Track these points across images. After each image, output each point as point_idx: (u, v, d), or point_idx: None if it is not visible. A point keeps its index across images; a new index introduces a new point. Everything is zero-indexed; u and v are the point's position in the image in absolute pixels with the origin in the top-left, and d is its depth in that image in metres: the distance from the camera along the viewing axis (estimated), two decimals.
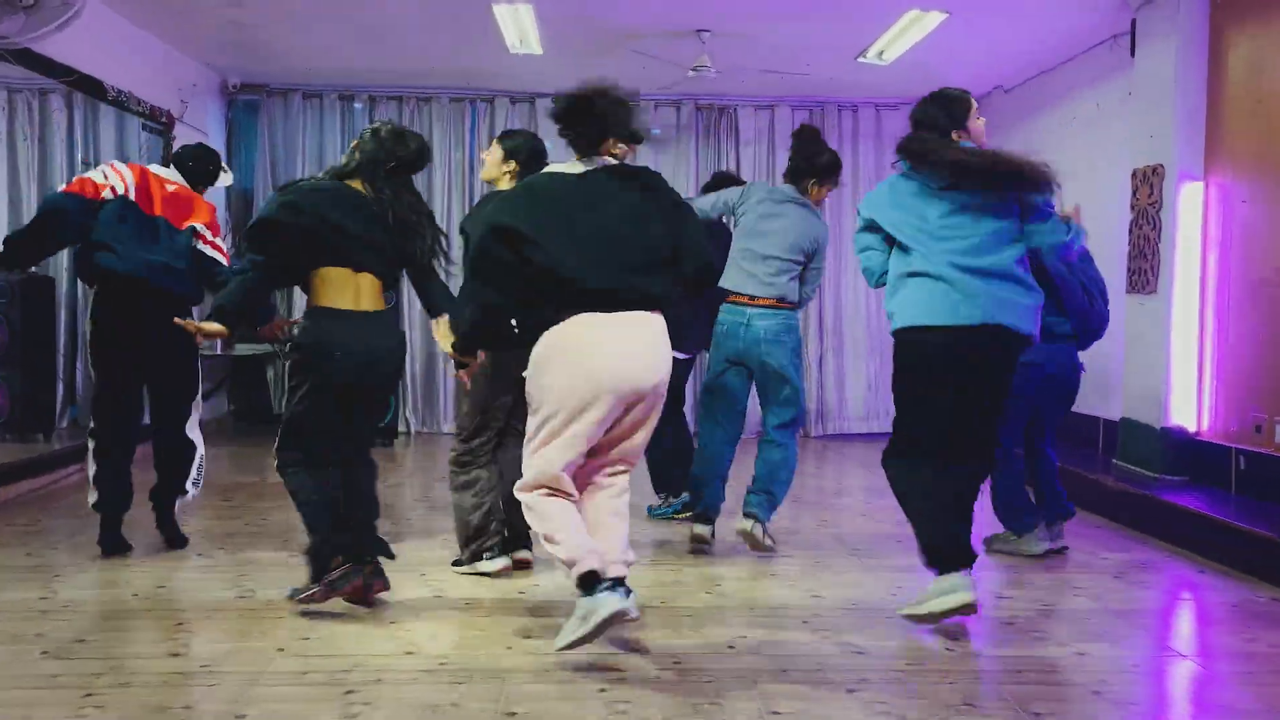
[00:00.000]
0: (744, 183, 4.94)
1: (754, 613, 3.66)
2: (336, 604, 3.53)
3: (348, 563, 3.41)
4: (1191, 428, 5.46)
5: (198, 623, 3.44)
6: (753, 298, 4.31)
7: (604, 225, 3.03)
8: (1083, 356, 4.55)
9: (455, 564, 4.04)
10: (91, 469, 4.21)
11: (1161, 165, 5.59)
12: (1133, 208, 5.84)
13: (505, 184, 3.97)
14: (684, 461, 4.84)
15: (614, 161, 3.20)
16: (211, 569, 4.11)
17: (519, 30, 6.52)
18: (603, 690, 2.89)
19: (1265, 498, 4.91)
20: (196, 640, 3.27)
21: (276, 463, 3.49)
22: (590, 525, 3.07)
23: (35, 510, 5.14)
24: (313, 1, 6.15)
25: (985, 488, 3.74)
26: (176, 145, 6.94)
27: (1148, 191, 5.69)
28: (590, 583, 2.93)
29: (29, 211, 6.52)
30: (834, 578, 4.10)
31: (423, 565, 4.09)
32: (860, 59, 7.08)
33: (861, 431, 8.49)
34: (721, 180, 5.31)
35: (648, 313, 3.04)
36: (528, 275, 2.99)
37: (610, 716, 2.72)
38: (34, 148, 6.55)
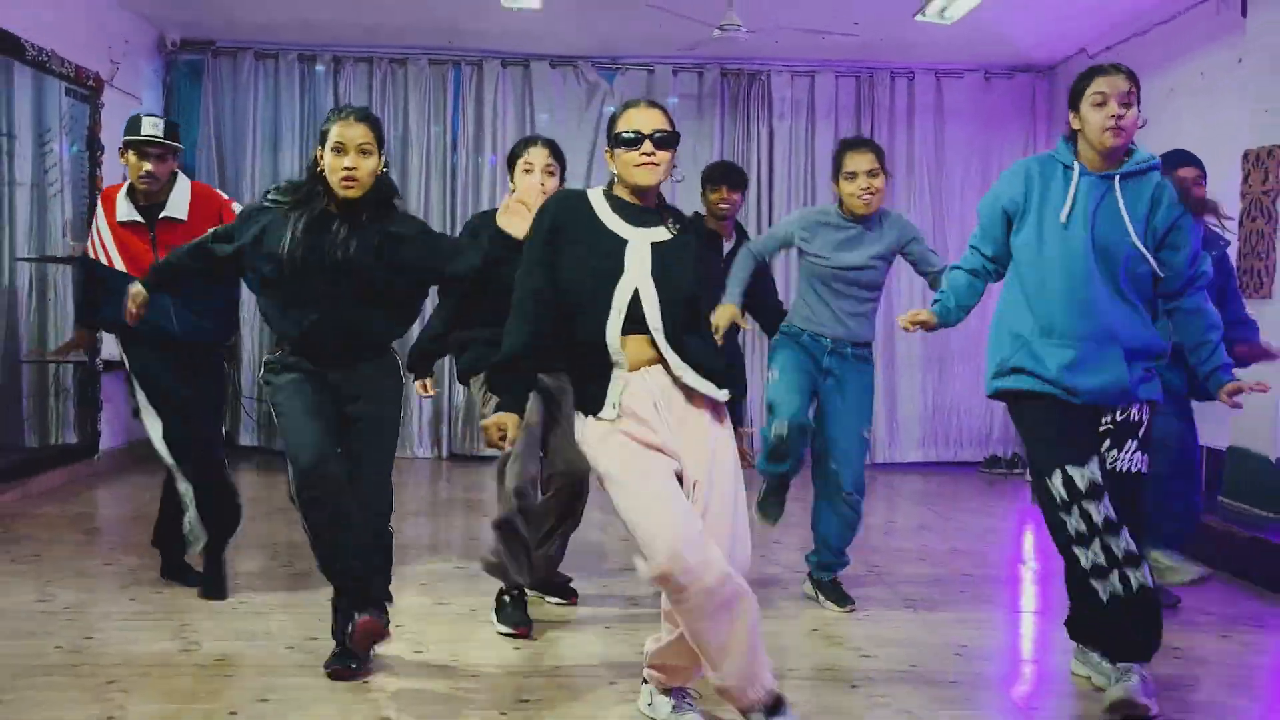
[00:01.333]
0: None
1: (790, 677, 3.69)
2: (304, 664, 3.56)
3: None
4: None
5: (133, 680, 3.46)
6: None
7: None
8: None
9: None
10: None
11: (1279, 146, 5.62)
12: (1244, 195, 5.86)
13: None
14: None
15: None
16: (145, 616, 4.15)
17: None
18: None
19: None
20: (133, 701, 3.29)
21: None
22: None
23: None
24: None
25: None
26: (105, 113, 7.04)
27: (1262, 177, 5.72)
28: None
29: None
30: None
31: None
32: (919, 17, 7.12)
33: (917, 461, 8.53)
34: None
35: None
36: None
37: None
38: None
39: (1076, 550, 3.37)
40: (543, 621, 4.11)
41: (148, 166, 4.31)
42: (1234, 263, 5.74)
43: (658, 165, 3.02)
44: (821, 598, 4.53)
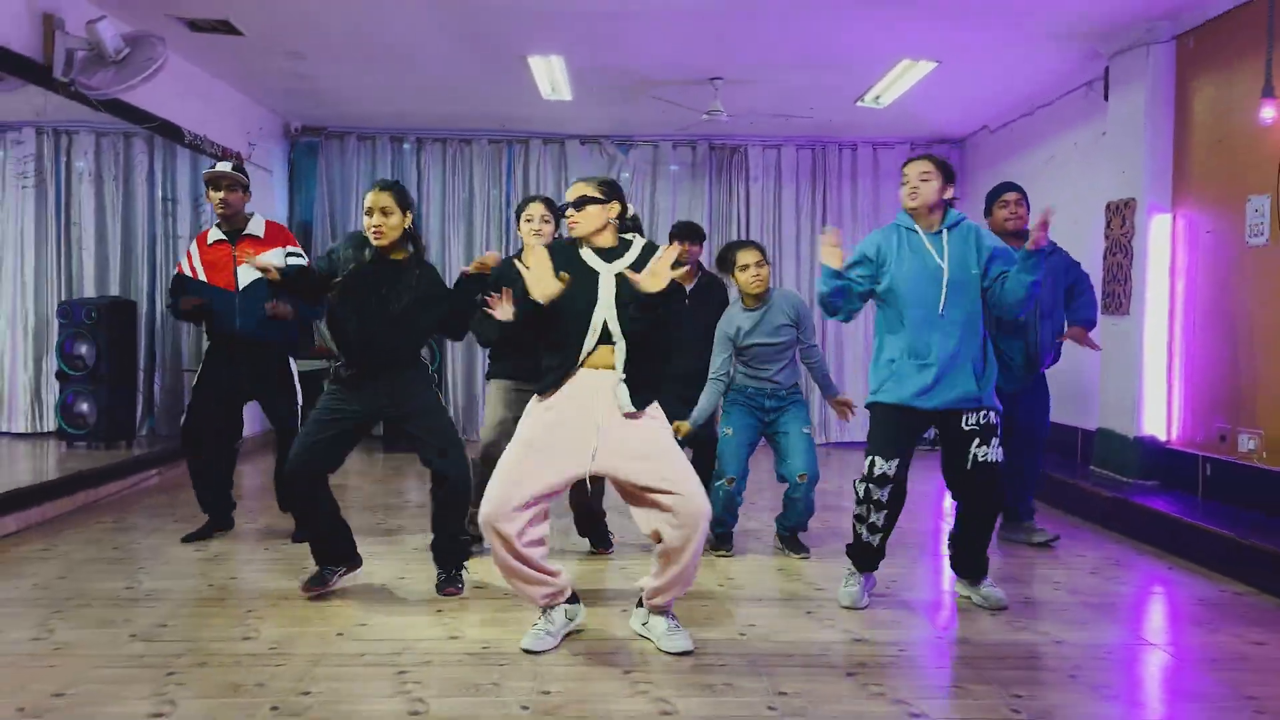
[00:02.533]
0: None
1: (762, 603, 3.71)
2: (388, 595, 3.62)
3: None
4: (1162, 437, 5.46)
5: (266, 610, 3.50)
6: None
7: None
8: (1065, 372, 4.62)
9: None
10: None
11: (1133, 199, 5.61)
12: (1107, 237, 5.85)
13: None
14: None
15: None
16: (278, 561, 4.19)
17: (551, 79, 6.62)
18: (627, 673, 2.94)
19: (1229, 501, 4.90)
20: (265, 625, 3.33)
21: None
22: None
23: (119, 510, 5.23)
24: (366, 55, 6.26)
25: None
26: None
27: (1120, 222, 5.71)
28: None
29: (114, 246, 6.66)
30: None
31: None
32: (859, 103, 7.13)
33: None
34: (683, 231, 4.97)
35: None
36: None
37: (633, 695, 2.77)
38: (119, 187, 6.70)
39: (856, 508, 3.65)
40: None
41: (221, 195, 4.36)
42: (1099, 289, 5.76)
43: (579, 224, 3.09)
44: (783, 549, 4.53)
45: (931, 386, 3.48)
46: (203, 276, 4.43)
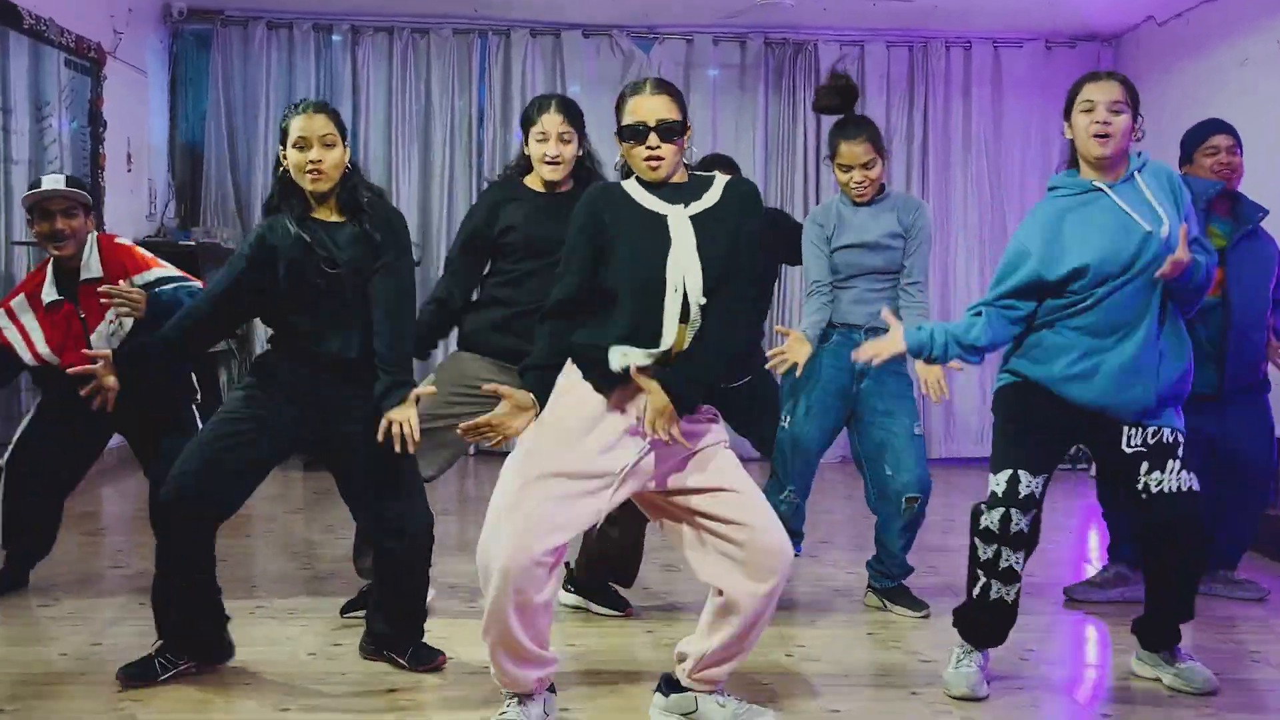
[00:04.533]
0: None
1: (848, 681, 3.67)
2: (319, 671, 3.55)
3: None
4: None
5: (145, 691, 3.43)
6: None
7: None
8: None
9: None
10: None
11: None
12: None
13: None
14: None
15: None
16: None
17: None
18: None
19: None
20: (146, 713, 3.27)
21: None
22: None
23: None
24: None
25: None
26: (107, 86, 7.04)
27: None
28: None
29: None
30: None
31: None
32: None
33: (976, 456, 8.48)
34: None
35: None
36: None
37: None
38: None
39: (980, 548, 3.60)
40: (578, 630, 4.05)
41: (55, 225, 4.17)
42: None
43: (663, 159, 3.02)
44: (888, 604, 4.49)
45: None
46: (49, 355, 4.27)
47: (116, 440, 4.65)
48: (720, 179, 3.15)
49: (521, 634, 2.94)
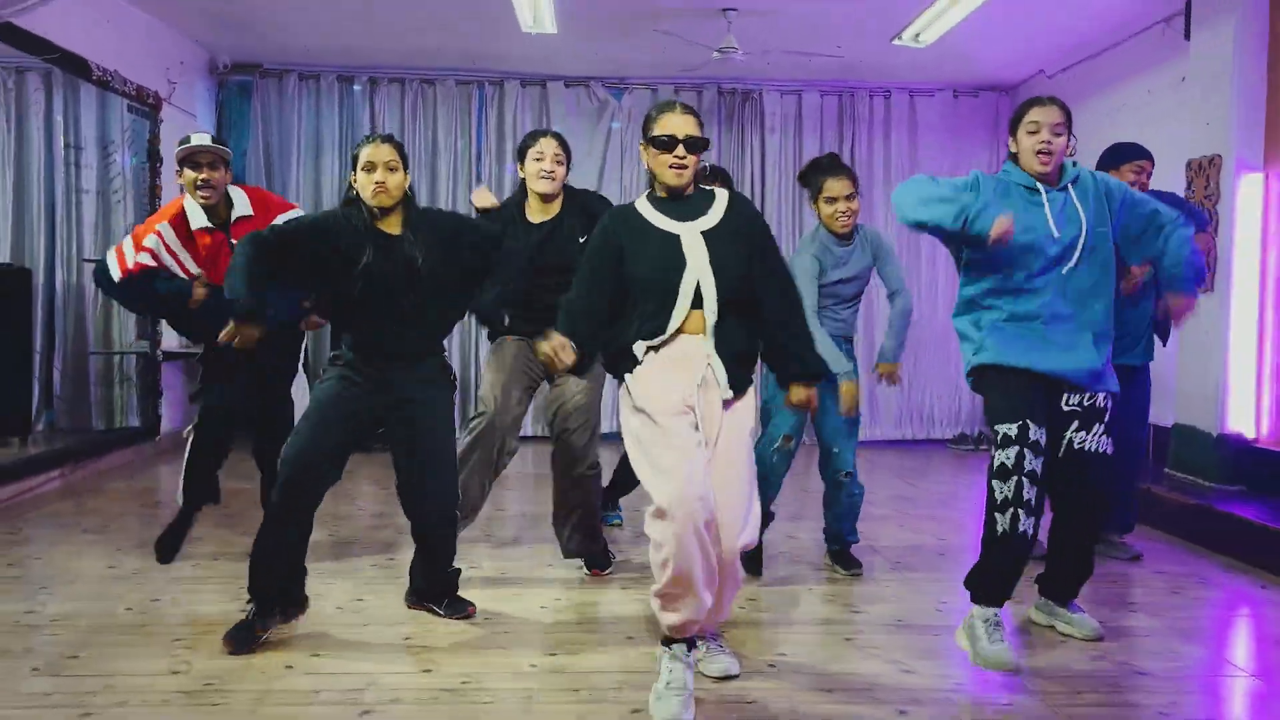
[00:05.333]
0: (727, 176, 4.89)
1: (794, 628, 3.67)
2: (345, 620, 3.55)
3: None
4: (1250, 434, 5.46)
5: (197, 638, 3.43)
6: None
7: None
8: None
9: None
10: None
11: (1219, 156, 5.58)
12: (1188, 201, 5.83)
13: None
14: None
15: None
16: (208, 580, 4.12)
17: (533, 8, 6.51)
18: (636, 712, 2.89)
19: None
20: (197, 657, 3.26)
21: None
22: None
23: (12, 518, 5.13)
24: None
25: None
26: (163, 128, 6.99)
27: (1204, 184, 5.68)
28: None
29: (4, 202, 6.54)
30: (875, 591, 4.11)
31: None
32: (895, 41, 7.08)
33: (895, 439, 8.53)
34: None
35: None
36: None
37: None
38: (10, 130, 6.56)
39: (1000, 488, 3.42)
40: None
41: (202, 175, 4.14)
42: None
43: (687, 168, 3.00)
44: (832, 564, 4.50)
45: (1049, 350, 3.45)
46: (195, 271, 4.22)
47: (169, 425, 4.60)
48: (722, 195, 3.10)
49: (706, 569, 2.83)
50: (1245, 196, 5.50)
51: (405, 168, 3.52)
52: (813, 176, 4.37)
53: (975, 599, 3.46)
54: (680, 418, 2.89)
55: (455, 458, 3.76)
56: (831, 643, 3.54)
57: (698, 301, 2.96)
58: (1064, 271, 3.43)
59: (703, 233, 3.00)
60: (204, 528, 4.85)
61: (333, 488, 3.49)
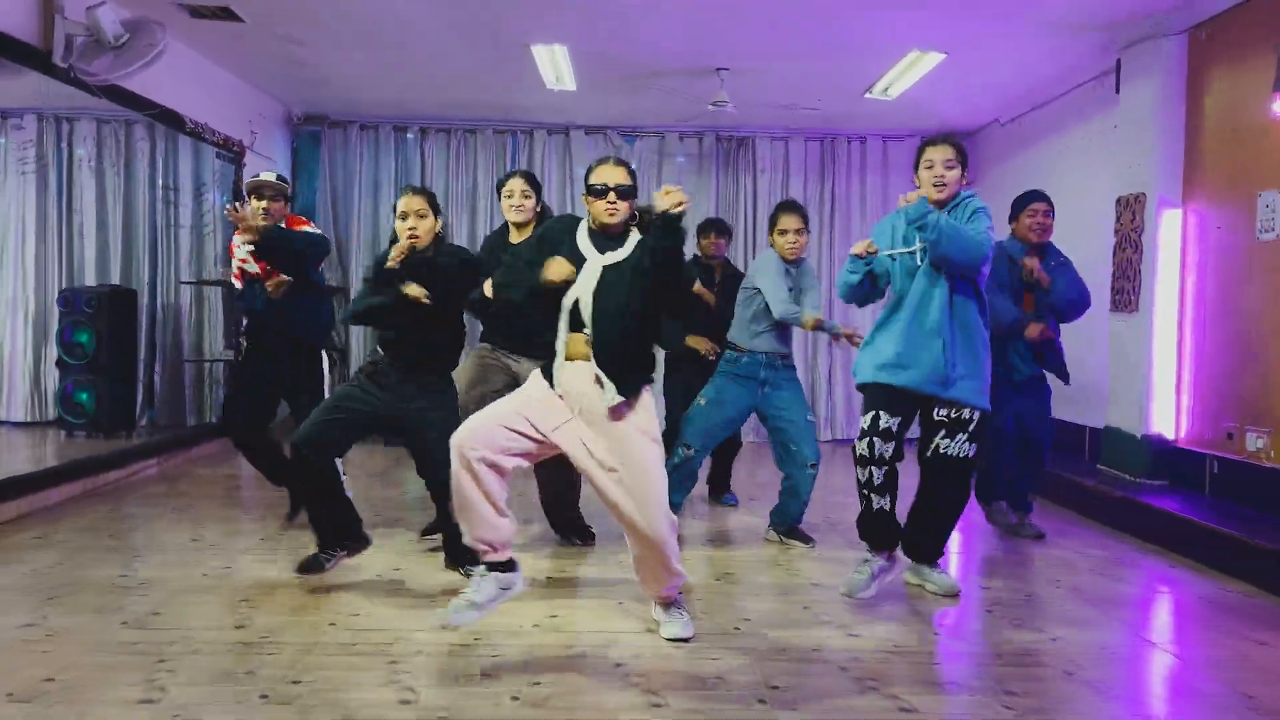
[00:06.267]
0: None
1: (759, 598, 3.72)
2: (383, 586, 3.65)
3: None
4: (1170, 435, 5.45)
5: (259, 598, 3.53)
6: None
7: None
8: (1072, 370, 4.86)
9: None
10: None
11: (1143, 193, 5.59)
12: (1117, 233, 5.84)
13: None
14: None
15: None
16: (274, 550, 4.22)
17: (555, 68, 6.62)
18: (618, 665, 2.96)
19: (1236, 500, 4.90)
20: (258, 614, 3.36)
21: None
22: None
23: (117, 498, 5.27)
24: (367, 43, 6.27)
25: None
26: (246, 170, 7.13)
27: (1130, 217, 5.70)
28: None
29: (115, 234, 6.69)
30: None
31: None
32: (867, 94, 7.12)
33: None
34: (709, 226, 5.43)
35: None
36: None
37: (626, 689, 2.78)
38: (120, 174, 6.72)
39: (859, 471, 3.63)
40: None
41: (264, 205, 4.37)
42: (1107, 285, 5.79)
43: (619, 211, 3.04)
44: (784, 539, 4.55)
45: (905, 368, 3.52)
46: (255, 270, 4.50)
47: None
48: (634, 236, 3.07)
49: (473, 490, 2.85)
50: (1166, 229, 5.51)
51: (436, 214, 3.63)
52: (774, 214, 4.54)
53: (865, 540, 3.70)
54: (524, 421, 2.95)
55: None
56: (790, 609, 3.58)
57: (577, 324, 2.99)
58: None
59: (605, 265, 3.02)
60: (271, 506, 4.96)
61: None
